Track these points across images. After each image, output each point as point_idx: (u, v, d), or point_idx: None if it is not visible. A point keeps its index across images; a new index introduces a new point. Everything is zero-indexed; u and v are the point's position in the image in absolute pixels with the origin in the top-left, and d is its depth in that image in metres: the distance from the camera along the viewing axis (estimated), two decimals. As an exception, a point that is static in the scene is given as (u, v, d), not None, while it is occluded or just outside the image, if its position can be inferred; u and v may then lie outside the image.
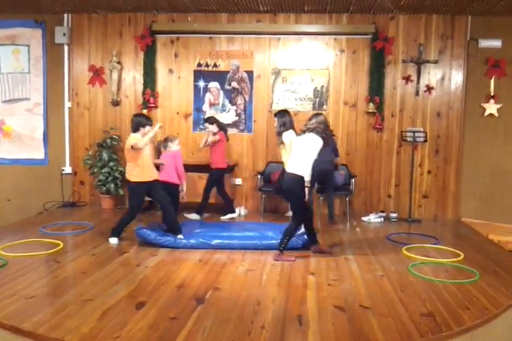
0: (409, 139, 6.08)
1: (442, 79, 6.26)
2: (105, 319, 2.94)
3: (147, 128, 4.72)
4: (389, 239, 5.11)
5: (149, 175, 4.74)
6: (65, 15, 6.60)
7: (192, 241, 4.63)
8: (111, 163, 6.36)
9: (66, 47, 6.68)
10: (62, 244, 4.56)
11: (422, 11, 6.02)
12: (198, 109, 6.60)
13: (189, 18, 6.44)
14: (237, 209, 6.32)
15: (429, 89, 6.25)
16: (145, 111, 6.54)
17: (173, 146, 5.45)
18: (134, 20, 6.54)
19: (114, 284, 3.59)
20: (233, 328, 2.86)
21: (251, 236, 4.80)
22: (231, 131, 6.54)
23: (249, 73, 6.49)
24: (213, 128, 5.77)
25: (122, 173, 6.42)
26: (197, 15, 6.42)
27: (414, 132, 6.05)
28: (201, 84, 6.58)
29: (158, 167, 5.40)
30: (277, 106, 6.44)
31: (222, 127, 5.89)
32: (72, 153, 6.81)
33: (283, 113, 5.31)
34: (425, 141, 6.11)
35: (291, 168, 4.35)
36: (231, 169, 6.36)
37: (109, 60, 6.60)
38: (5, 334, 2.85)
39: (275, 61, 6.46)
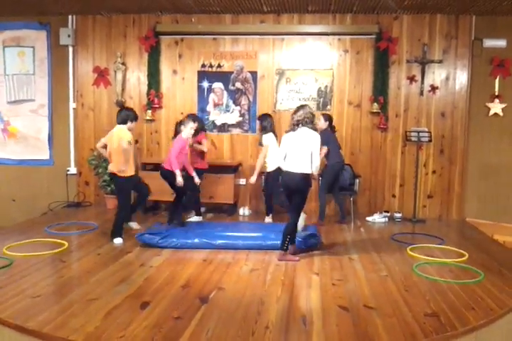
0: (413, 139, 6.07)
1: (447, 79, 6.25)
2: (110, 318, 2.96)
3: (134, 122, 4.90)
4: (393, 239, 5.10)
5: (133, 169, 4.93)
6: (70, 16, 6.64)
7: (196, 241, 4.63)
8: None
9: (71, 49, 6.71)
10: (67, 244, 4.58)
11: (426, 10, 6.01)
12: (202, 110, 6.61)
13: (193, 19, 6.46)
14: (240, 210, 6.34)
15: (433, 89, 6.24)
16: (149, 112, 6.58)
17: (186, 130, 5.25)
18: (138, 22, 6.57)
19: (118, 284, 3.61)
20: (237, 328, 2.86)
21: (255, 237, 4.80)
22: (235, 131, 6.56)
23: (253, 74, 6.50)
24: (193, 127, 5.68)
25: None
26: (201, 16, 6.43)
27: (418, 132, 6.04)
28: (205, 84, 6.59)
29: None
30: (281, 107, 6.46)
31: (203, 127, 5.89)
32: (77, 154, 6.84)
33: (265, 116, 5.70)
34: (430, 140, 6.10)
35: (293, 167, 4.26)
36: (235, 169, 6.36)
37: (113, 61, 6.63)
38: (10, 333, 2.87)
39: (279, 61, 6.46)
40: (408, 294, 3.47)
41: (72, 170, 6.83)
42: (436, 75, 6.25)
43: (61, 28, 6.60)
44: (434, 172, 6.34)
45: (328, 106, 6.40)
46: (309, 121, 4.30)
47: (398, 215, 6.11)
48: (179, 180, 5.06)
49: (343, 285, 3.67)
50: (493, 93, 6.17)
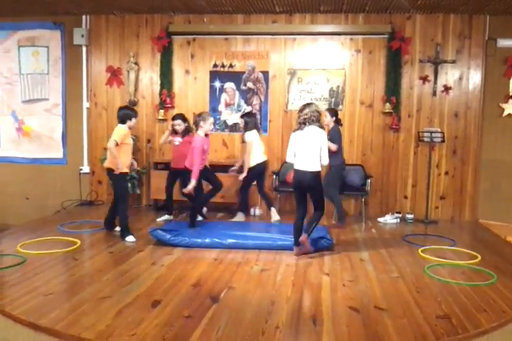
0: (426, 140, 6.02)
1: (460, 79, 6.19)
2: (121, 316, 2.98)
3: (133, 120, 4.96)
4: (405, 240, 5.07)
5: (128, 167, 5.04)
6: (83, 16, 6.70)
7: (207, 240, 4.65)
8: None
9: (84, 49, 6.77)
10: (79, 242, 4.63)
11: (439, 10, 5.96)
12: (214, 110, 6.63)
13: (205, 19, 6.48)
14: (251, 210, 6.35)
15: (446, 89, 6.19)
16: (162, 112, 6.61)
17: (205, 126, 5.16)
18: (151, 22, 6.61)
19: (130, 282, 3.64)
20: (247, 327, 2.87)
21: (266, 237, 4.81)
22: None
23: (265, 73, 6.50)
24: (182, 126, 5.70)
25: (139, 173, 6.52)
26: (213, 17, 6.45)
27: (431, 132, 5.99)
28: (217, 84, 6.61)
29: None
30: (293, 107, 6.44)
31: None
32: (90, 153, 6.90)
33: (248, 115, 5.85)
34: (443, 141, 6.05)
35: (304, 165, 4.35)
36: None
37: (126, 60, 6.68)
38: (23, 329, 2.91)
39: (291, 61, 6.45)
40: (419, 296, 3.45)
41: (85, 169, 6.89)
42: (449, 75, 6.20)
43: (75, 28, 6.66)
44: (446, 173, 6.29)
45: (340, 106, 6.38)
46: (316, 120, 4.37)
47: (410, 216, 6.07)
48: (193, 184, 5.00)
49: (353, 286, 3.66)
50: (507, 93, 6.10)
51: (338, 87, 6.39)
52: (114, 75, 6.76)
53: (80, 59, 6.80)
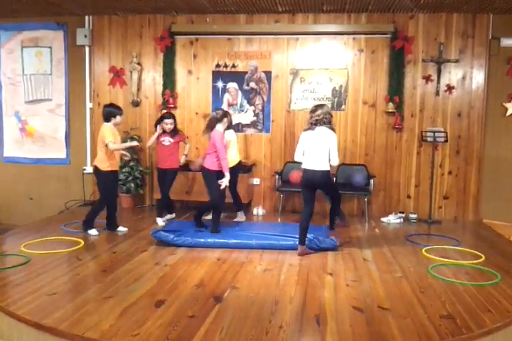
0: (429, 139, 6.01)
1: (463, 78, 6.17)
2: (125, 316, 2.99)
3: (118, 117, 4.99)
4: (408, 240, 5.06)
5: (117, 164, 5.14)
6: (86, 17, 6.71)
7: (210, 240, 4.66)
8: (131, 163, 6.44)
9: (87, 49, 6.78)
10: (83, 242, 4.64)
11: (442, 9, 5.94)
12: (217, 110, 6.62)
13: (208, 19, 6.48)
14: (254, 209, 6.35)
15: (449, 88, 6.17)
16: (164, 112, 6.60)
17: (223, 124, 5.16)
18: (154, 22, 6.61)
19: (133, 282, 3.64)
20: (251, 327, 2.87)
21: (269, 236, 4.80)
22: (249, 131, 6.56)
23: (268, 73, 6.50)
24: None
25: (142, 173, 6.53)
26: (215, 17, 6.45)
27: (434, 132, 5.98)
28: (220, 84, 6.61)
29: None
30: (295, 106, 6.44)
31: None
32: (93, 153, 6.88)
33: (226, 113, 5.63)
34: (446, 141, 6.03)
35: (313, 164, 4.44)
36: (249, 169, 6.37)
37: (129, 61, 6.69)
38: (27, 329, 2.92)
39: (293, 61, 6.45)
40: (423, 295, 3.44)
41: (89, 169, 6.89)
42: (452, 75, 6.18)
43: (78, 28, 6.67)
44: (450, 172, 6.27)
45: (343, 106, 6.37)
46: (327, 121, 4.48)
47: (413, 216, 6.06)
48: (227, 177, 4.88)
49: (357, 286, 3.66)
50: (510, 93, 6.07)
51: (341, 86, 6.38)
52: (117, 75, 6.76)
53: (82, 59, 6.81)
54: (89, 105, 6.88)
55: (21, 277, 3.66)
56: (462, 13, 6.04)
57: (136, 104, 6.74)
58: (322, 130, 4.46)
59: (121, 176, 6.41)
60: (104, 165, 4.95)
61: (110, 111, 5.00)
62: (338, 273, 3.98)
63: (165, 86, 6.63)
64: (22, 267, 3.90)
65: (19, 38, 6.95)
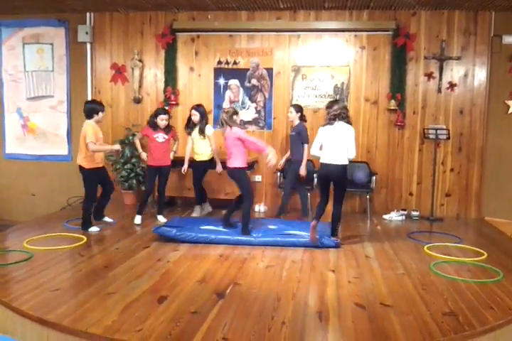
0: (431, 136, 6.00)
1: (465, 75, 6.16)
2: (127, 312, 3.00)
3: (100, 114, 4.97)
4: (410, 237, 5.06)
5: (102, 161, 5.12)
6: (88, 14, 6.70)
7: (212, 236, 4.66)
8: (133, 160, 6.44)
9: (89, 46, 6.77)
10: (85, 239, 4.66)
11: (444, 6, 5.93)
12: (219, 107, 6.63)
13: (209, 16, 6.47)
14: (256, 206, 6.35)
15: (451, 86, 6.16)
16: (166, 109, 6.61)
17: (238, 119, 5.04)
18: (155, 19, 6.60)
19: (136, 278, 3.65)
20: (253, 323, 2.87)
21: (271, 233, 4.81)
22: (251, 128, 6.56)
23: (269, 70, 6.49)
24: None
25: (144, 169, 6.52)
26: (217, 13, 6.44)
27: (436, 129, 5.97)
28: (221, 81, 6.60)
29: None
30: (297, 103, 6.42)
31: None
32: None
33: (201, 106, 5.72)
34: (448, 138, 6.02)
35: (331, 159, 4.55)
36: (251, 166, 6.36)
37: (130, 58, 6.68)
38: (31, 324, 2.93)
39: (295, 58, 6.44)
40: (425, 293, 3.45)
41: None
42: (454, 72, 6.17)
43: (79, 25, 6.66)
44: (452, 170, 6.27)
45: (345, 103, 6.36)
46: (345, 116, 4.61)
47: (415, 213, 6.06)
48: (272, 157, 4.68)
49: (359, 283, 3.66)
50: (512, 90, 6.08)
51: (343, 83, 6.37)
52: (119, 72, 6.76)
53: (84, 56, 6.80)
54: (90, 102, 6.87)
55: (24, 273, 3.67)
56: (464, 11, 6.03)
57: (137, 100, 6.74)
58: (340, 125, 4.58)
59: (123, 173, 6.43)
60: (88, 163, 4.95)
61: (93, 108, 4.95)
62: (340, 269, 3.99)
63: (166, 83, 6.63)
64: (25, 263, 3.91)
65: (20, 34, 6.95)
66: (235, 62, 6.55)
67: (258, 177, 6.56)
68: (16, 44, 6.98)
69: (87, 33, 6.64)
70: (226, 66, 6.57)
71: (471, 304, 3.23)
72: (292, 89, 6.47)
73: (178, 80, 6.67)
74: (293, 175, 5.67)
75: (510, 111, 6.10)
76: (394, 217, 5.99)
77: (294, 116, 5.70)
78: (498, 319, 2.98)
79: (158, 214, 5.63)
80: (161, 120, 5.37)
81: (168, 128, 5.48)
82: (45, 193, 7.04)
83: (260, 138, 6.50)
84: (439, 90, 6.18)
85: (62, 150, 7.01)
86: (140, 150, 5.52)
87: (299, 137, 5.61)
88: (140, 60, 6.66)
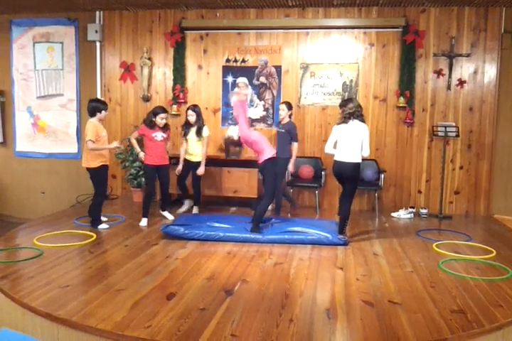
0: (440, 134, 5.97)
1: (475, 72, 6.12)
2: (137, 308, 3.02)
3: (103, 113, 5.03)
4: (419, 235, 5.05)
5: (107, 159, 5.15)
6: (97, 12, 6.74)
7: (221, 234, 4.68)
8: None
9: (98, 44, 6.81)
10: (95, 236, 4.69)
11: (454, 3, 5.89)
12: (227, 104, 6.64)
13: (218, 14, 6.48)
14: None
15: (461, 83, 6.12)
16: (175, 107, 6.64)
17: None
18: (164, 17, 6.63)
19: (145, 275, 3.68)
20: (262, 320, 2.89)
21: (278, 231, 4.82)
22: (259, 126, 6.56)
23: (278, 68, 6.49)
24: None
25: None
26: (225, 11, 6.45)
27: (445, 127, 5.94)
28: (230, 79, 6.61)
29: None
30: (306, 101, 6.43)
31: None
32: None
33: (198, 107, 5.76)
34: (457, 135, 5.99)
35: (347, 157, 4.59)
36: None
37: (139, 56, 6.72)
38: (41, 321, 2.96)
39: (303, 56, 6.43)
40: (434, 290, 3.44)
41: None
42: (464, 69, 6.12)
43: (89, 23, 6.71)
44: (461, 167, 6.23)
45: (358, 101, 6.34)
46: (360, 114, 4.68)
47: (424, 211, 6.04)
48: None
49: (367, 281, 3.66)
50: (523, 87, 6.03)
51: (352, 81, 6.35)
52: (128, 71, 6.80)
53: (93, 54, 6.85)
54: (100, 100, 6.92)
55: (34, 270, 3.71)
56: (474, 7, 5.98)
57: (146, 99, 6.77)
58: (355, 123, 4.62)
59: (132, 171, 6.46)
60: (94, 162, 4.99)
61: (96, 106, 5.02)
62: (348, 267, 3.99)
63: (175, 81, 6.65)
64: (35, 260, 3.95)
65: (31, 33, 7.01)
66: (243, 60, 6.55)
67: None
68: (26, 43, 7.04)
69: (96, 32, 6.68)
70: (234, 64, 6.58)
71: (480, 302, 3.21)
72: (300, 86, 6.46)
73: (187, 78, 6.69)
74: (280, 173, 5.59)
75: (520, 109, 6.05)
76: (402, 214, 5.97)
77: (286, 114, 5.72)
78: (506, 316, 2.97)
79: (163, 210, 5.66)
80: (161, 119, 5.27)
81: (165, 127, 5.39)
82: (55, 191, 7.11)
83: (268, 137, 6.51)
84: (449, 87, 6.15)
85: (72, 148, 7.07)
86: (138, 149, 5.43)
87: (289, 135, 5.64)
88: (149, 59, 6.69)
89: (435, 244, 4.60)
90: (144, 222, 5.33)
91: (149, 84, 6.76)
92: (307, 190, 6.47)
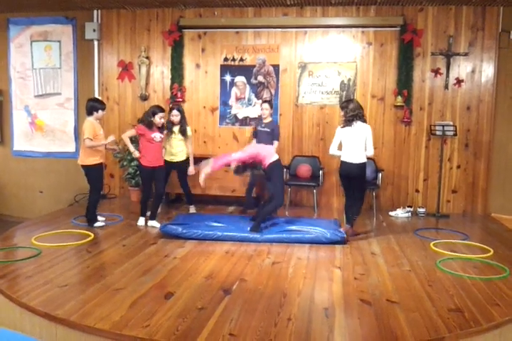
0: (438, 133, 5.98)
1: (472, 71, 6.13)
2: (135, 308, 3.03)
3: (100, 112, 5.09)
4: (417, 234, 5.06)
5: (103, 156, 5.24)
6: (95, 11, 6.72)
7: (219, 233, 4.68)
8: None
9: (96, 43, 6.80)
10: (93, 235, 4.69)
11: (452, 2, 5.89)
12: (225, 103, 6.64)
13: (216, 13, 6.47)
14: (262, 203, 6.35)
15: (458, 82, 6.13)
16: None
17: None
18: (162, 16, 6.61)
19: (143, 274, 3.68)
20: (260, 319, 2.89)
21: (276, 230, 4.83)
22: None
23: (276, 67, 6.49)
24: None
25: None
26: (223, 10, 6.44)
27: (443, 126, 5.95)
28: (228, 78, 6.61)
29: None
30: (304, 100, 6.43)
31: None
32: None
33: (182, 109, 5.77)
34: (455, 134, 5.99)
35: (353, 158, 4.74)
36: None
37: (137, 55, 6.70)
38: (39, 320, 2.96)
39: (301, 55, 6.43)
40: (432, 289, 3.45)
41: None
42: (461, 68, 6.13)
43: (86, 22, 6.69)
44: (458, 166, 6.25)
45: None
46: (361, 115, 4.80)
47: (422, 210, 6.05)
48: None
49: (365, 280, 3.67)
50: (520, 86, 6.04)
51: (350, 80, 6.36)
52: (126, 69, 6.79)
53: (91, 53, 6.83)
54: (97, 99, 6.91)
55: (32, 269, 3.71)
56: (472, 6, 5.98)
57: (144, 98, 6.76)
58: (359, 125, 4.76)
59: (130, 170, 6.46)
60: (89, 160, 5.04)
61: (93, 106, 5.07)
62: (346, 266, 4.00)
63: (173, 80, 6.64)
64: (33, 259, 3.95)
65: (28, 32, 6.99)
66: (241, 59, 6.55)
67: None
68: (24, 41, 7.02)
69: (94, 31, 6.66)
70: (232, 63, 6.57)
71: (477, 300, 3.23)
72: (298, 85, 6.46)
73: (185, 77, 6.68)
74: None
75: (518, 108, 6.06)
76: (400, 213, 5.98)
77: (269, 114, 5.75)
78: (504, 315, 2.98)
79: (152, 219, 5.31)
80: (160, 118, 5.14)
81: (162, 127, 5.29)
82: (53, 190, 7.10)
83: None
84: (446, 86, 6.15)
85: (70, 147, 7.05)
86: (132, 148, 5.25)
87: (273, 133, 5.66)
88: (147, 57, 6.68)
89: (433, 242, 4.61)
90: (141, 221, 5.31)
91: (147, 83, 6.75)
92: (305, 189, 6.47)
